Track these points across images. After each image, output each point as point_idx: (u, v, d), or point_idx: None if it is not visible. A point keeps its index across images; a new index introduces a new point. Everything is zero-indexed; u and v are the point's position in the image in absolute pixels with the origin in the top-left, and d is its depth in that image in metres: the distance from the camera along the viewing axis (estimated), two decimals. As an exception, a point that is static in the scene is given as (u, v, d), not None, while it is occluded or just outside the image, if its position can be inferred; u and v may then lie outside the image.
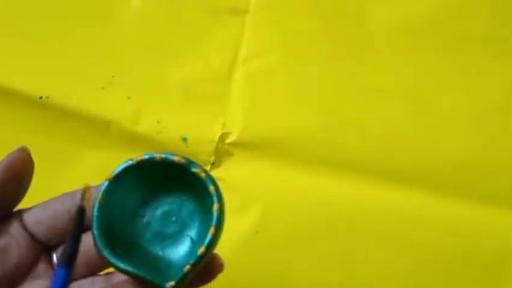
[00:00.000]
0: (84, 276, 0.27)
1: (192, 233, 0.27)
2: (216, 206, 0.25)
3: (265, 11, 0.47)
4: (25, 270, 0.26)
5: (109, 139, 0.43)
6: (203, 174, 0.26)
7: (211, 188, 0.26)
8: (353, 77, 0.45)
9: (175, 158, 0.26)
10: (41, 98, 0.43)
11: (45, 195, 0.41)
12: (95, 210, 0.25)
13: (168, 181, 0.27)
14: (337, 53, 0.46)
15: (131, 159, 0.26)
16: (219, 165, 0.42)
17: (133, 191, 0.27)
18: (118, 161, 0.42)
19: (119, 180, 0.26)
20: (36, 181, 0.41)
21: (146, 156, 0.26)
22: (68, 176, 0.41)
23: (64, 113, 0.43)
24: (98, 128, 0.43)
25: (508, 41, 0.46)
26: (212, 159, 0.43)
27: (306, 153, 0.42)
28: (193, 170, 0.26)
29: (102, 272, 0.28)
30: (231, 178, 0.42)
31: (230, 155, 0.43)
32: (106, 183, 0.26)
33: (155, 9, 0.47)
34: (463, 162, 0.42)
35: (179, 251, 0.26)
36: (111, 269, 0.27)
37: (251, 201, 0.41)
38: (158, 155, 0.26)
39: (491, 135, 0.43)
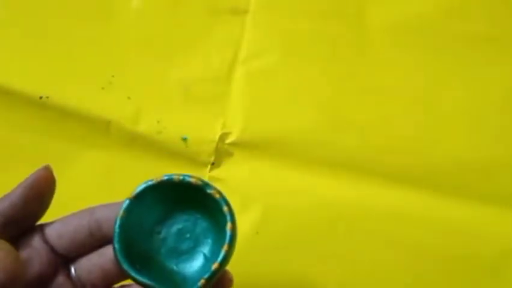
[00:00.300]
0: None
1: (205, 249, 0.28)
2: (229, 225, 0.27)
3: (265, 10, 0.47)
4: (46, 281, 0.27)
5: (109, 139, 0.43)
6: (217, 196, 0.27)
7: (225, 209, 0.27)
8: (353, 77, 0.45)
9: (192, 180, 0.28)
10: (41, 98, 0.43)
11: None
12: (117, 226, 0.27)
13: (184, 200, 0.28)
14: (337, 53, 0.46)
15: (152, 180, 0.28)
16: (218, 165, 0.42)
17: (151, 209, 0.28)
18: (118, 161, 0.42)
19: (139, 199, 0.28)
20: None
21: (166, 178, 0.28)
22: (67, 176, 0.41)
23: (64, 113, 0.43)
24: (98, 128, 0.43)
25: (508, 40, 0.46)
26: (212, 159, 0.42)
27: (306, 153, 0.42)
28: (208, 191, 0.28)
29: (117, 285, 0.29)
30: (230, 178, 0.42)
31: (230, 155, 0.43)
32: (127, 201, 0.28)
33: (155, 9, 0.47)
34: (463, 162, 0.42)
35: (194, 266, 0.28)
36: (125, 282, 0.29)
37: (251, 202, 0.41)
38: (176, 177, 0.28)
39: (491, 135, 0.43)
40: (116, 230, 0.27)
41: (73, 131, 0.43)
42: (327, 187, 0.41)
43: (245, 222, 0.40)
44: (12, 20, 0.47)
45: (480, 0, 0.47)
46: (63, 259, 0.28)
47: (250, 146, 0.43)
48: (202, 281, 0.26)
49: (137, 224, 0.28)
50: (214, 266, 0.26)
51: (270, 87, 0.45)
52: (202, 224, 0.29)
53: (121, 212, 0.27)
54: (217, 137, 0.43)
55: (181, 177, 0.28)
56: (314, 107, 0.44)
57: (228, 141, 0.43)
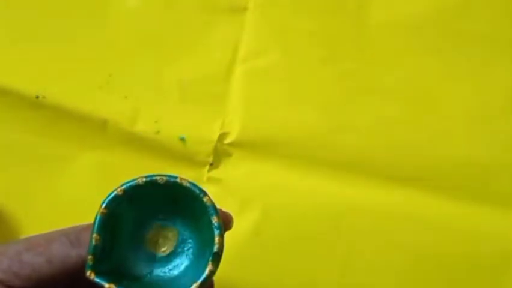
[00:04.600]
0: None
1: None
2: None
3: (265, 8, 0.47)
4: None
5: (106, 139, 0.43)
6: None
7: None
8: (353, 76, 0.45)
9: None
10: (37, 97, 0.43)
11: (41, 195, 0.41)
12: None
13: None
14: (337, 52, 0.45)
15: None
16: (217, 166, 0.42)
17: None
18: (115, 161, 0.42)
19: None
20: (33, 181, 0.42)
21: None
22: (64, 176, 0.41)
23: (61, 113, 0.43)
24: (95, 128, 0.43)
25: (508, 40, 0.45)
26: (210, 159, 0.42)
27: (306, 153, 0.42)
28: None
29: None
30: (229, 179, 0.42)
31: (229, 155, 0.42)
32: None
33: (152, 8, 0.47)
34: (463, 162, 0.42)
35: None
36: None
37: (250, 202, 0.41)
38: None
39: (491, 135, 0.43)
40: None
41: (69, 130, 0.43)
42: (327, 187, 0.41)
43: (244, 222, 0.40)
44: (8, 20, 0.47)
45: (481, 0, 0.47)
46: None
47: (249, 146, 0.42)
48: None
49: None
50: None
51: (269, 87, 0.44)
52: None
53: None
54: (215, 137, 0.43)
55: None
56: (314, 106, 0.44)
57: (226, 141, 0.43)
